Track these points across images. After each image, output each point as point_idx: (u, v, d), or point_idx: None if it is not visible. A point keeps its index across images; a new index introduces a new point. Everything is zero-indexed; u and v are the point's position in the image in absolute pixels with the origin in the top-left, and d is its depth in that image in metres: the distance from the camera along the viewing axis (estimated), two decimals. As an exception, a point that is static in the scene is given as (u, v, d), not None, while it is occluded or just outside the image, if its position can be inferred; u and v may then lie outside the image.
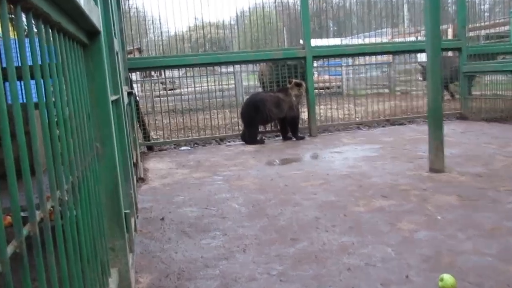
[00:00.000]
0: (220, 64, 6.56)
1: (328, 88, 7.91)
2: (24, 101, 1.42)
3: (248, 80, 8.08)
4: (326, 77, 8.07)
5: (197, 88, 6.94)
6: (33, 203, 0.79)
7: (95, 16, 1.52)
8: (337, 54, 6.84)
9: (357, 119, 7.34)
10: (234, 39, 7.34)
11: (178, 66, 6.42)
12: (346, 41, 7.59)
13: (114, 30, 2.70)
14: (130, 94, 4.10)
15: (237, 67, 7.02)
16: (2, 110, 0.70)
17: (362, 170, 4.13)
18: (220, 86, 7.87)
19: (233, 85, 7.31)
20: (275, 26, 7.00)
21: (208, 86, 6.97)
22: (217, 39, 7.46)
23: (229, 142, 6.56)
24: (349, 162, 4.53)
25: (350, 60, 8.16)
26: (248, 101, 6.22)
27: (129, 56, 6.49)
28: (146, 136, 6.25)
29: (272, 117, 6.15)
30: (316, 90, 7.02)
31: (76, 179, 1.17)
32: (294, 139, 6.21)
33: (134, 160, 3.85)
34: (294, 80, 6.32)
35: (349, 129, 7.05)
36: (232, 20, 7.72)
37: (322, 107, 7.43)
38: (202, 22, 6.52)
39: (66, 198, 1.05)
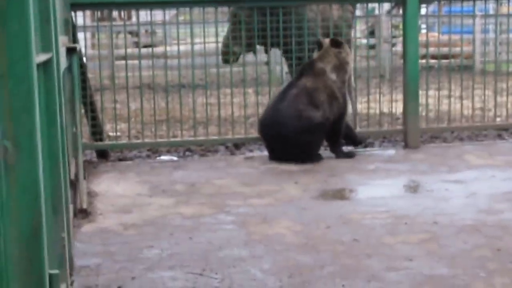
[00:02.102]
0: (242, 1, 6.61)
1: (445, 57, 7.84)
2: None
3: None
4: (443, 36, 7.99)
5: (196, 47, 6.96)
6: None
7: None
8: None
9: (498, 119, 7.22)
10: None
11: (162, 4, 6.47)
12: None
13: None
14: (71, 52, 4.16)
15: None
16: None
17: (504, 219, 4.08)
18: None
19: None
20: None
21: (217, 43, 6.99)
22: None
23: (251, 150, 6.57)
24: (478, 202, 4.48)
25: (491, 5, 8.08)
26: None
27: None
28: (97, 133, 6.32)
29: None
30: (423, 61, 6.95)
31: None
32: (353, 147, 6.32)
33: (72, 176, 3.88)
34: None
35: (481, 138, 6.98)
36: None
37: (431, 93, 7.34)
38: None
39: None
